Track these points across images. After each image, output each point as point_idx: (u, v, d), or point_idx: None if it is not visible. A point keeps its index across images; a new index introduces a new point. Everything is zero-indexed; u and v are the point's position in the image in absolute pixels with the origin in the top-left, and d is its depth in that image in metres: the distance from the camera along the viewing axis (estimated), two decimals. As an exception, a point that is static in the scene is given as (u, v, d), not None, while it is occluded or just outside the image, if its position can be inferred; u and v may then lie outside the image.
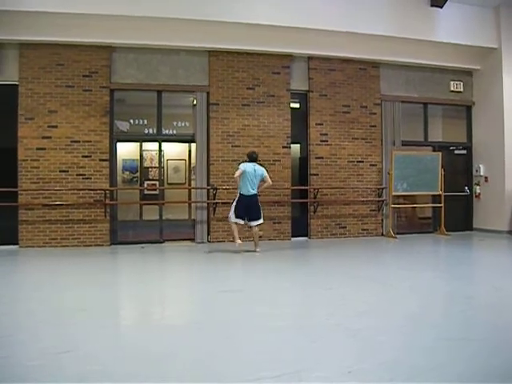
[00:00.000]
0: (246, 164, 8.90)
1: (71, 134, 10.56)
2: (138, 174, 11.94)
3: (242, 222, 8.99)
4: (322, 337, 4.05)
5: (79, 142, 10.57)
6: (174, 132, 11.33)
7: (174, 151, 12.04)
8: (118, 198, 11.04)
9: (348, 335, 4.08)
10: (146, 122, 11.17)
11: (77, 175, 10.53)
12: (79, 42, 10.56)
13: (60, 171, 10.51)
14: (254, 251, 9.04)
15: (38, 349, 3.72)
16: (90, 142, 10.60)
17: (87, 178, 10.57)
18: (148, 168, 12.41)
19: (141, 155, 11.17)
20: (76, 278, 7.21)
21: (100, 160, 10.62)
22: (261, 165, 9.26)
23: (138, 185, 11.86)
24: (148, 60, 10.96)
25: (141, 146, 11.17)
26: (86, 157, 10.58)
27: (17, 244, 10.43)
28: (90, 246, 10.54)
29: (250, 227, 9.15)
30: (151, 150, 11.95)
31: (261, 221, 9.05)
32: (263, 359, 3.58)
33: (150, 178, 12.30)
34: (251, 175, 8.81)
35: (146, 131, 11.20)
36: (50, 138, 10.50)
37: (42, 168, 10.46)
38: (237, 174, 8.76)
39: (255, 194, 8.91)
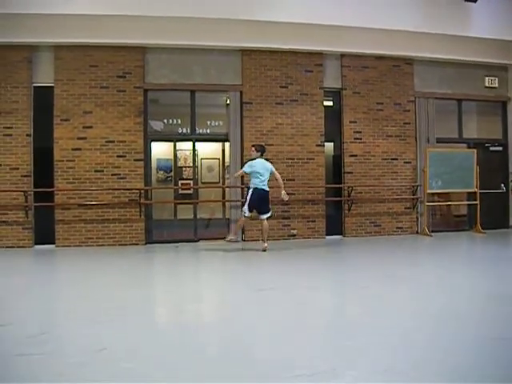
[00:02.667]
0: (255, 161, 9.36)
1: (106, 135, 10.90)
2: (172, 173, 12.24)
3: (249, 214, 9.34)
4: (357, 335, 4.09)
5: (114, 142, 10.91)
6: (208, 131, 11.64)
7: (208, 150, 12.35)
8: (153, 198, 11.35)
9: (383, 334, 4.12)
10: (179, 121, 11.49)
11: (112, 175, 10.86)
12: (113, 43, 10.90)
13: (95, 171, 10.86)
14: (263, 249, 9.29)
15: (77, 346, 3.87)
16: (125, 142, 10.94)
17: (122, 178, 10.89)
18: (182, 167, 12.73)
19: (175, 155, 11.47)
20: (113, 277, 7.43)
21: (135, 160, 10.95)
22: (266, 159, 9.76)
23: (172, 184, 12.17)
24: (181, 60, 11.28)
25: (175, 146, 11.48)
26: (121, 157, 10.91)
27: (53, 243, 10.78)
28: (126, 245, 10.86)
29: (261, 220, 9.42)
30: (185, 150, 12.27)
31: (269, 214, 9.50)
32: (299, 357, 3.60)
33: (184, 177, 12.62)
34: (263, 170, 9.28)
35: (180, 131, 11.52)
36: (85, 138, 10.86)
37: (77, 168, 10.82)
38: (239, 173, 9.76)
39: (267, 190, 9.33)
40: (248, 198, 9.21)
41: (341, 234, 11.81)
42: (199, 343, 4.00)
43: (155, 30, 10.62)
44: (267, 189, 9.25)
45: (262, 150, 9.48)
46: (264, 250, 9.23)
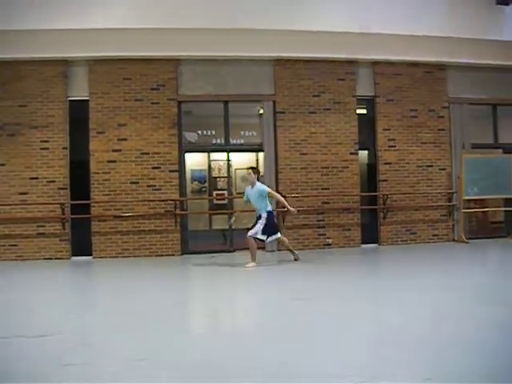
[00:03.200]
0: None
1: (141, 147, 11.05)
2: (206, 183, 12.37)
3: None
4: (399, 344, 4.05)
5: (149, 153, 11.05)
6: (242, 141, 11.74)
7: (242, 160, 12.42)
8: (188, 208, 11.44)
9: (425, 342, 4.07)
10: (213, 132, 11.60)
11: (147, 186, 10.99)
12: (146, 56, 11.07)
13: (131, 183, 11.00)
14: (295, 258, 9.38)
15: (114, 355, 3.92)
16: (160, 153, 11.07)
17: (157, 189, 11.02)
18: (216, 178, 12.84)
19: (209, 165, 11.61)
20: (150, 288, 7.48)
21: (169, 171, 11.07)
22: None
23: (206, 194, 12.27)
24: (214, 71, 11.39)
25: (209, 156, 11.62)
26: (156, 168, 11.04)
27: (90, 255, 10.94)
28: (162, 255, 10.96)
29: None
30: (219, 160, 12.37)
31: (279, 235, 9.21)
32: (341, 366, 3.60)
33: (219, 187, 12.72)
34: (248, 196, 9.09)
35: (214, 141, 11.63)
36: (120, 150, 11.02)
37: (113, 180, 10.97)
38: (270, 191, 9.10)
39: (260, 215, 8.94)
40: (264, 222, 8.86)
41: (376, 242, 11.76)
42: (238, 353, 4.01)
43: (188, 41, 10.73)
44: (262, 213, 8.94)
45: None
46: (296, 259, 9.27)
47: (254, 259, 8.84)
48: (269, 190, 8.89)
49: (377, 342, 4.39)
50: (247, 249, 10.55)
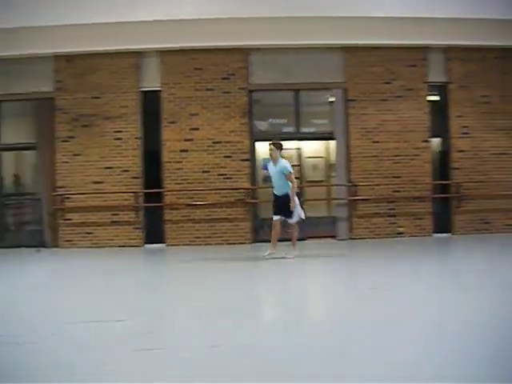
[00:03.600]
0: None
1: (212, 136, 11.17)
2: (277, 172, 12.39)
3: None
4: (473, 343, 3.69)
5: (220, 142, 11.16)
6: (312, 130, 11.75)
7: (312, 149, 12.41)
8: (259, 197, 11.51)
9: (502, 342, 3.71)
10: (284, 120, 11.64)
11: (218, 175, 11.10)
12: (216, 46, 11.18)
13: (202, 172, 11.13)
14: (291, 256, 8.33)
15: (188, 342, 3.88)
16: (231, 142, 11.17)
17: (229, 178, 11.11)
18: (287, 166, 12.87)
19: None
20: (225, 276, 7.50)
21: (241, 160, 11.16)
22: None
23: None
24: (284, 60, 11.42)
25: (279, 145, 11.63)
26: (228, 157, 11.14)
27: (163, 243, 11.12)
28: (233, 244, 11.04)
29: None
30: (289, 149, 12.38)
31: (295, 219, 8.29)
32: (410, 361, 3.33)
33: (289, 176, 12.73)
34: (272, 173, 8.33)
35: (285, 130, 11.67)
36: (192, 140, 11.16)
37: (185, 169, 11.12)
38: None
39: (283, 195, 8.19)
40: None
41: (449, 231, 11.57)
42: (315, 343, 3.85)
43: (258, 31, 10.82)
44: (280, 193, 8.22)
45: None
46: (292, 258, 8.27)
47: (274, 245, 8.27)
48: (291, 170, 8.18)
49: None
50: (318, 237, 10.56)
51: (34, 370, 3.39)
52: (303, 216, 8.37)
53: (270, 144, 8.31)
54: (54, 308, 5.55)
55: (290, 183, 8.10)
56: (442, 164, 11.73)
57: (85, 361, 3.56)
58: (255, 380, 3.07)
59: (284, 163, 8.11)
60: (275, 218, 8.25)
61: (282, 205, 8.10)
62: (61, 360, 3.60)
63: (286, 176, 8.06)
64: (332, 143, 11.62)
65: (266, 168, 8.67)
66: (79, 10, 10.49)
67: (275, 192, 8.26)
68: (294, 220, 8.23)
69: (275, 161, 8.18)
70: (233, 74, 11.19)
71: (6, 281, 7.50)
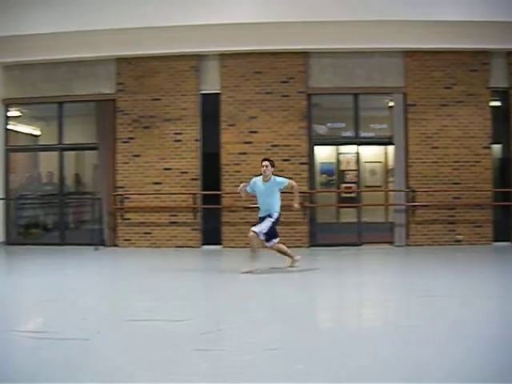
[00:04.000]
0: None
1: (271, 139, 11.25)
2: (334, 176, 12.46)
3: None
4: None
5: (279, 146, 11.24)
6: (371, 134, 11.72)
7: (370, 153, 12.44)
8: (317, 201, 11.54)
9: None
10: (342, 125, 11.66)
11: None
12: (276, 49, 11.27)
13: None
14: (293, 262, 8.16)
15: (248, 344, 3.96)
16: (290, 146, 11.23)
17: None
18: (344, 171, 12.93)
19: (338, 158, 11.69)
20: (283, 278, 7.58)
21: (299, 163, 11.21)
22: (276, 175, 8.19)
23: (334, 188, 12.36)
24: (343, 64, 11.44)
25: (337, 149, 11.70)
26: (286, 160, 11.20)
27: (220, 244, 11.25)
28: (290, 247, 11.00)
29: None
30: (347, 153, 12.45)
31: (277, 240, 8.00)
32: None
33: (347, 180, 12.80)
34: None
35: (343, 134, 11.68)
36: (250, 143, 11.27)
37: (243, 172, 11.22)
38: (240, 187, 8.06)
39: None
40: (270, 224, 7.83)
41: (509, 240, 11.41)
42: (370, 347, 3.95)
43: (317, 34, 10.85)
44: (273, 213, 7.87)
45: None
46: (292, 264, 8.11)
47: (254, 261, 7.81)
48: (289, 180, 8.02)
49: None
50: (374, 243, 10.54)
51: (93, 367, 3.54)
52: (262, 236, 7.75)
53: (264, 160, 7.96)
54: (115, 305, 5.82)
55: (279, 201, 7.90)
56: (503, 171, 11.58)
57: (144, 359, 3.68)
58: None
59: (278, 178, 7.91)
60: (263, 237, 7.81)
61: (275, 224, 7.85)
62: (120, 358, 3.73)
63: (289, 185, 7.91)
64: (391, 148, 11.60)
65: (251, 190, 8.16)
66: (141, 14, 10.68)
67: (267, 211, 7.83)
68: (271, 243, 7.89)
69: (268, 178, 7.86)
70: (292, 78, 11.26)
71: (66, 277, 7.77)
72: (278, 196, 7.87)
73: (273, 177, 7.89)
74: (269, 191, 7.80)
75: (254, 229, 7.67)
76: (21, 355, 3.89)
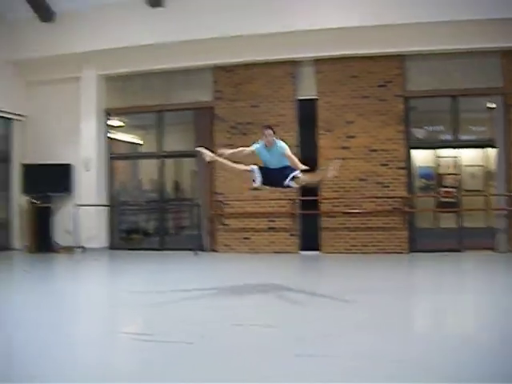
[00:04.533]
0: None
1: (369, 144, 12.01)
2: (433, 181, 13.31)
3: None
4: None
5: (376, 150, 11.98)
6: (471, 137, 12.32)
7: (470, 157, 13.11)
8: (416, 206, 12.39)
9: None
10: (441, 128, 12.48)
11: (375, 183, 11.93)
12: (372, 53, 11.96)
13: (359, 180, 12.08)
14: None
15: (352, 351, 4.21)
16: (387, 150, 11.94)
17: (385, 186, 11.83)
18: (443, 175, 13.76)
19: (436, 162, 12.51)
20: (386, 285, 7.96)
21: (397, 168, 11.93)
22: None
23: (433, 192, 13.21)
24: (441, 66, 11.87)
25: (436, 153, 12.51)
26: (384, 165, 11.90)
27: (318, 250, 12.07)
28: (389, 253, 11.92)
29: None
30: (446, 157, 13.26)
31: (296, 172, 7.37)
32: None
33: (446, 184, 13.62)
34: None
35: (442, 137, 12.49)
36: (348, 148, 12.11)
37: (342, 177, 12.07)
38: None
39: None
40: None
41: None
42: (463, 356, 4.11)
43: (414, 36, 11.28)
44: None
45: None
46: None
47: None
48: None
49: None
50: (476, 249, 11.25)
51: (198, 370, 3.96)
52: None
53: (267, 128, 7.59)
54: (216, 309, 6.34)
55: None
56: None
57: (241, 363, 4.07)
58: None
59: (281, 143, 7.52)
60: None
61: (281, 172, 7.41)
62: (224, 362, 4.13)
63: (286, 153, 7.58)
64: (491, 151, 12.02)
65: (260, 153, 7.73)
66: (237, 23, 11.78)
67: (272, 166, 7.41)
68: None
69: (270, 145, 7.49)
70: (390, 82, 11.89)
71: (167, 281, 8.63)
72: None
73: (277, 141, 7.49)
74: (278, 157, 7.64)
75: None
76: (126, 356, 4.40)
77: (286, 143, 11.37)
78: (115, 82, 13.14)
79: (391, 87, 11.86)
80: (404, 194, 11.67)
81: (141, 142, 14.75)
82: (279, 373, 3.72)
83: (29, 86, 13.62)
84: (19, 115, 13.35)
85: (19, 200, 13.27)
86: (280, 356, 4.13)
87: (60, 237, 13.22)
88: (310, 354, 4.11)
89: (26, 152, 13.50)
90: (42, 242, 12.76)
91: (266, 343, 4.52)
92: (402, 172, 11.71)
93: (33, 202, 12.67)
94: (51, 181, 12.76)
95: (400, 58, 11.84)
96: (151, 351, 4.27)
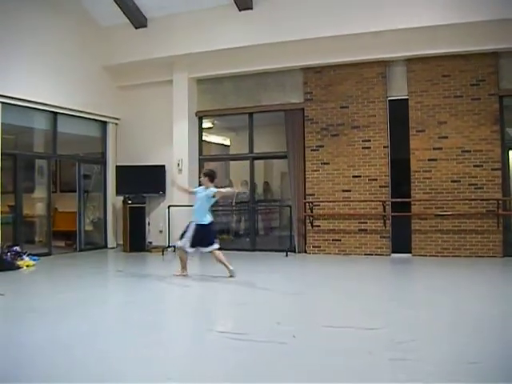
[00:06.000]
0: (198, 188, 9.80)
1: (462, 144, 12.70)
2: (529, 182, 14.17)
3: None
4: None
5: (470, 151, 12.68)
6: None
7: None
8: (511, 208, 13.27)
9: None
10: (538, 127, 13.23)
11: (468, 185, 12.47)
12: (464, 51, 12.67)
13: (451, 181, 12.90)
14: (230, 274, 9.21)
15: (444, 356, 4.57)
16: (481, 151, 12.56)
17: (479, 188, 12.38)
18: (540, 176, 14.54)
19: (533, 163, 13.32)
20: (474, 290, 8.54)
21: (492, 169, 12.52)
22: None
23: (531, 194, 14.02)
24: None
25: (532, 153, 13.32)
26: (478, 166, 12.50)
27: (409, 252, 12.99)
28: (482, 257, 12.55)
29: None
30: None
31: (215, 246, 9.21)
32: None
33: (542, 186, 14.39)
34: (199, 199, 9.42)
35: (539, 137, 13.17)
36: (440, 148, 12.91)
37: (433, 178, 12.96)
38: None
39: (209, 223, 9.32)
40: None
41: None
42: None
43: (506, 33, 11.67)
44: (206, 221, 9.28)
45: (211, 176, 9.80)
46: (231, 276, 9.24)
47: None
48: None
49: None
50: None
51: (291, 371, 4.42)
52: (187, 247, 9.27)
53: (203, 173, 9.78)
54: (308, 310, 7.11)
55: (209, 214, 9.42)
56: None
57: (330, 365, 4.50)
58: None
59: (212, 189, 9.30)
60: (189, 250, 9.32)
61: (206, 234, 9.28)
62: (316, 363, 4.47)
63: (213, 196, 9.35)
64: None
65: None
66: (326, 24, 13.10)
67: (199, 221, 9.28)
68: (209, 248, 9.32)
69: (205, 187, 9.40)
70: (483, 80, 12.31)
71: (260, 282, 9.29)
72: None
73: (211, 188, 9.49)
74: (204, 197, 9.57)
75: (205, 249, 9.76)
76: (219, 355, 4.78)
77: (378, 144, 12.65)
78: (206, 85, 14.41)
79: (484, 86, 12.36)
80: (499, 196, 12.12)
81: (228, 144, 16.43)
82: (368, 377, 4.07)
83: (122, 90, 14.98)
84: (114, 118, 14.75)
85: (114, 200, 14.78)
86: (373, 359, 4.45)
87: (153, 236, 14.72)
88: (403, 358, 4.47)
89: (120, 154, 14.93)
90: (136, 241, 14.10)
91: (362, 346, 4.85)
92: (497, 173, 12.18)
93: (127, 203, 14.00)
94: (145, 182, 14.00)
95: (493, 55, 12.27)
96: (245, 350, 4.74)
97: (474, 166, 12.19)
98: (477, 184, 12.10)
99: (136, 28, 13.63)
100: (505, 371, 4.17)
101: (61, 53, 12.73)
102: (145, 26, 13.61)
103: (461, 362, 4.34)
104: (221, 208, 13.98)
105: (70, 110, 13.14)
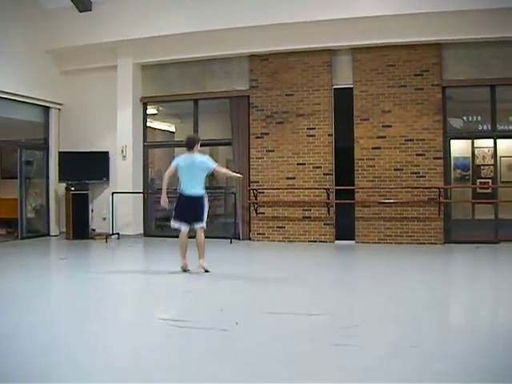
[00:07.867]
0: (179, 158, 8.48)
1: (405, 133, 12.80)
2: (469, 171, 14.45)
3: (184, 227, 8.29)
4: None
5: (413, 140, 12.79)
6: (509, 128, 13.32)
7: (508, 147, 14.32)
8: (452, 197, 13.50)
9: None
10: (478, 118, 13.55)
11: (411, 173, 12.64)
12: (408, 41, 12.78)
13: (394, 169, 13.00)
14: (200, 267, 8.53)
15: (385, 341, 4.55)
16: (424, 140, 12.68)
17: (421, 177, 12.52)
18: (480, 166, 14.94)
19: (473, 152, 13.65)
20: (417, 276, 8.65)
21: (434, 158, 12.71)
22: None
23: (469, 183, 14.40)
24: (479, 54, 12.20)
25: (473, 143, 13.57)
26: (420, 155, 12.70)
27: (352, 239, 12.99)
28: (423, 243, 12.79)
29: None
30: (483, 147, 14.43)
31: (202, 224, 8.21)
32: None
33: (482, 176, 14.79)
34: (188, 169, 8.19)
35: (480, 128, 13.52)
36: (384, 137, 13.00)
37: (377, 167, 13.03)
38: (166, 172, 8.45)
39: (199, 196, 8.29)
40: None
41: None
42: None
43: (450, 25, 11.85)
44: (198, 193, 8.29)
45: (187, 145, 8.46)
46: (206, 271, 8.50)
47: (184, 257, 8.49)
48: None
49: None
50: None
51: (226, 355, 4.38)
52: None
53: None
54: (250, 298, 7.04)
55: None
56: None
57: (281, 351, 4.41)
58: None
59: (205, 158, 8.44)
60: (183, 228, 8.42)
61: (194, 208, 8.20)
62: (259, 349, 4.45)
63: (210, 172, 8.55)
64: None
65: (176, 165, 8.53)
66: (273, 11, 12.98)
67: (186, 192, 8.20)
68: (203, 224, 8.25)
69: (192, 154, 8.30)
70: (426, 70, 12.56)
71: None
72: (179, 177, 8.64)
73: (200, 155, 8.82)
74: (195, 169, 8.69)
75: (198, 225, 8.66)
76: (162, 341, 4.84)
77: (322, 132, 12.61)
78: (151, 71, 14.22)
79: (428, 76, 12.54)
80: (440, 184, 12.37)
81: (174, 130, 16.18)
82: (311, 362, 4.11)
83: (65, 74, 14.67)
84: (57, 103, 14.41)
85: (56, 187, 14.46)
86: (315, 344, 4.54)
87: (96, 224, 14.44)
88: (345, 344, 4.55)
89: (63, 140, 14.60)
90: (79, 228, 13.87)
91: (303, 332, 4.92)
92: (439, 162, 12.41)
93: (70, 189, 13.77)
94: (88, 168, 13.78)
95: (437, 46, 12.47)
96: (187, 337, 4.81)
97: (417, 154, 12.36)
98: (419, 172, 12.25)
99: (80, 11, 13.27)
100: (441, 351, 4.40)
101: (1, 35, 12.32)
102: (89, 9, 13.33)
103: (402, 346, 4.50)
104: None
105: (11, 94, 12.72)
